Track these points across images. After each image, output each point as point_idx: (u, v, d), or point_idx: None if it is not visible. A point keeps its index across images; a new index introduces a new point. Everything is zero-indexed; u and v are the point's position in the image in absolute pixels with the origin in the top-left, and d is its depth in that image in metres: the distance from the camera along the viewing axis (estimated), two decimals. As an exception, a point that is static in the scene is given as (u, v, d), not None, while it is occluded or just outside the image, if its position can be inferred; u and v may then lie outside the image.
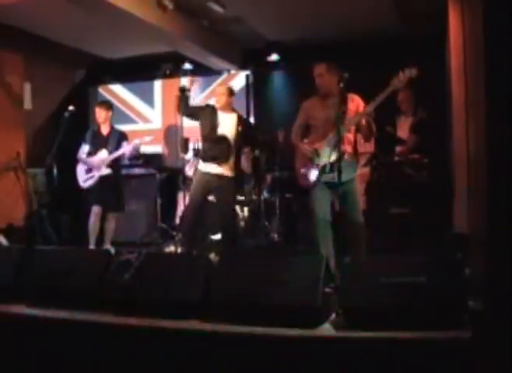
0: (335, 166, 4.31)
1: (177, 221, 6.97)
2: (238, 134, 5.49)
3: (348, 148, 4.58)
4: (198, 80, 5.49)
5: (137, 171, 7.84)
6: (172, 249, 6.43)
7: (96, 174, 6.30)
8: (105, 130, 6.51)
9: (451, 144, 5.47)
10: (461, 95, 4.87)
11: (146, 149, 7.96)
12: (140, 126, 9.01)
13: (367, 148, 5.45)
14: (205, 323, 3.07)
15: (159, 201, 7.33)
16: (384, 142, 5.40)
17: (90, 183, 6.33)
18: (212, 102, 5.98)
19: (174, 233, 6.66)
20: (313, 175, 4.61)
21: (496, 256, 2.84)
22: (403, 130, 6.07)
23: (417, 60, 4.45)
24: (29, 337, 3.28)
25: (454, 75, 5.13)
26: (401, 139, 5.99)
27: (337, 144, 4.26)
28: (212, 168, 5.44)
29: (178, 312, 3.15)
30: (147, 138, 6.59)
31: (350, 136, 4.63)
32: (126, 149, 6.40)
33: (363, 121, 4.47)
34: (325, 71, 4.63)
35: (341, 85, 4.24)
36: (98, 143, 6.44)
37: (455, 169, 5.22)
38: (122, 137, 6.51)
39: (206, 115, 5.56)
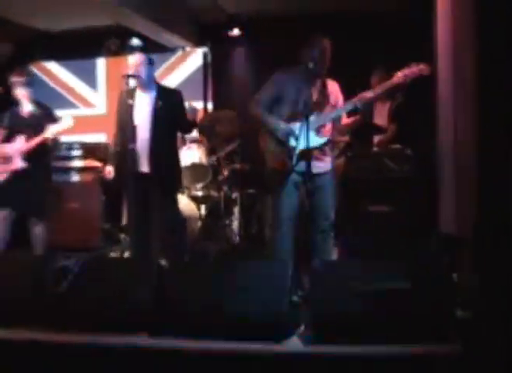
0: (315, 154, 4.35)
1: (124, 221, 6.91)
2: (158, 113, 5.11)
3: (327, 135, 4.64)
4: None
5: (77, 163, 7.72)
6: (118, 253, 6.38)
7: (9, 168, 5.66)
8: (25, 108, 5.80)
9: (437, 134, 5.52)
10: (449, 77, 4.92)
11: (88, 138, 7.87)
12: (81, 111, 8.89)
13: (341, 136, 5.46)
14: (155, 338, 3.06)
15: (102, 198, 7.25)
16: (360, 131, 5.41)
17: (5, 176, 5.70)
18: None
19: (121, 235, 6.61)
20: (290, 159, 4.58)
21: (486, 260, 2.88)
22: (381, 117, 6.10)
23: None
24: None
25: (440, 57, 5.18)
26: (379, 127, 6.02)
27: (320, 128, 4.32)
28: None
29: (125, 326, 3.13)
30: (67, 123, 5.72)
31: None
32: (46, 135, 5.66)
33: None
34: (329, 47, 4.64)
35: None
36: (16, 127, 5.74)
37: (441, 161, 5.28)
38: (47, 117, 5.77)
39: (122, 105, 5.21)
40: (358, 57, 4.35)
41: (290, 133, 4.53)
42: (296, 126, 4.50)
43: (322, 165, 4.60)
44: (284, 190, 4.61)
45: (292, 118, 4.57)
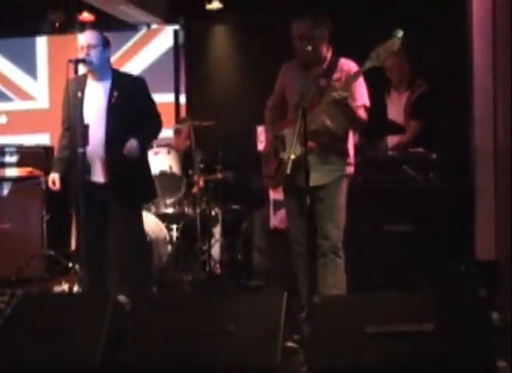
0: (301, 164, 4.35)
1: (74, 246, 6.91)
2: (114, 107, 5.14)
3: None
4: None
5: (11, 172, 7.72)
6: (65, 287, 6.37)
7: None
8: None
9: (472, 132, 5.52)
10: (487, 60, 4.93)
11: (26, 139, 7.85)
12: (17, 105, 8.83)
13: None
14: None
15: (45, 217, 7.24)
16: (371, 130, 5.41)
17: None
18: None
19: (69, 264, 6.60)
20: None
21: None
22: (397, 111, 6.10)
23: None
24: None
25: (476, 34, 5.19)
26: (395, 125, 6.02)
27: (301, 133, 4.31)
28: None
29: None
30: None
31: None
32: None
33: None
34: (309, 31, 4.60)
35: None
36: None
37: (477, 168, 5.28)
38: None
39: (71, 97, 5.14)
40: (358, 33, 4.33)
41: (279, 141, 4.60)
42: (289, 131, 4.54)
43: (318, 177, 4.57)
44: (287, 211, 4.78)
45: (289, 121, 4.62)
